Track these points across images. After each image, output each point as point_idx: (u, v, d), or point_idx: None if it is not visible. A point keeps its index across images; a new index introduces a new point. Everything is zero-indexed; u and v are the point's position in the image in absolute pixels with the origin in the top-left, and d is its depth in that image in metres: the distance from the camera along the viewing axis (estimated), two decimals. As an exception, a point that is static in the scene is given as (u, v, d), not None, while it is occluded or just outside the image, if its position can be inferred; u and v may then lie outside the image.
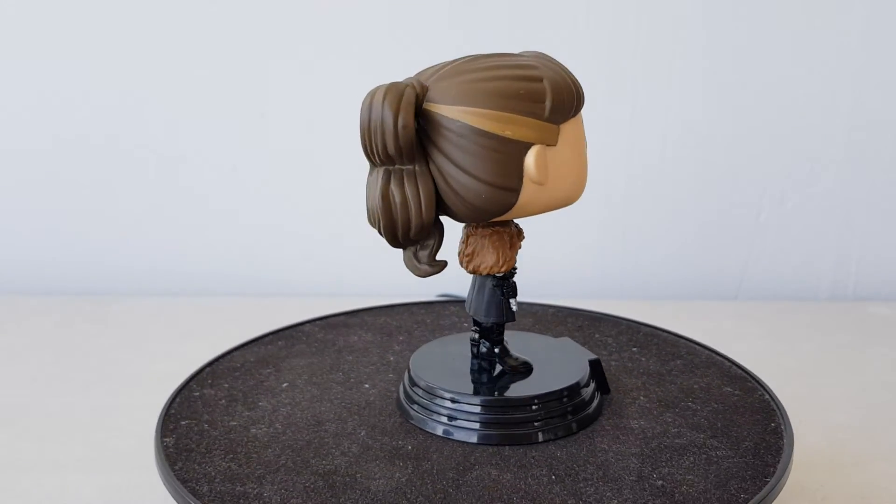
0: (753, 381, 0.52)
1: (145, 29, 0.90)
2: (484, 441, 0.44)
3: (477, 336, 0.48)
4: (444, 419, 0.45)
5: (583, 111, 0.43)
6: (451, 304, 0.67)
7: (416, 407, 0.46)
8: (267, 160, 0.94)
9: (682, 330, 0.61)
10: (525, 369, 0.48)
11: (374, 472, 0.40)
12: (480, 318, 0.47)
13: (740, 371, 0.54)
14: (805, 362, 0.77)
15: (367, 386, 0.51)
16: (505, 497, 0.38)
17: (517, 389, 0.46)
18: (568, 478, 0.40)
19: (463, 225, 0.46)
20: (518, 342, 0.50)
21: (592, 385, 0.48)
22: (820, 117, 0.91)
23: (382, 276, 0.91)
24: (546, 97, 0.40)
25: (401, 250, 0.43)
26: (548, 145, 0.40)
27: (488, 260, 0.44)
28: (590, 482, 0.40)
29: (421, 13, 0.89)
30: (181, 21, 0.90)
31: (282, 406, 0.48)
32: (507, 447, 0.43)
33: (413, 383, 0.47)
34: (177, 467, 0.41)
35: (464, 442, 0.44)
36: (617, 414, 0.47)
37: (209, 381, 0.51)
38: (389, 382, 0.51)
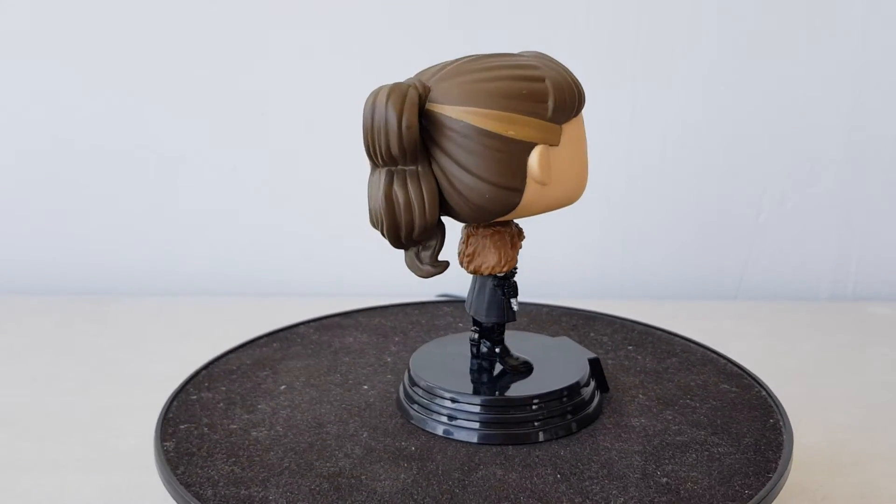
0: (750, 379, 0.53)
1: (145, 29, 0.90)
2: (485, 441, 0.44)
3: (476, 336, 0.48)
4: (445, 419, 0.45)
5: (583, 111, 0.43)
6: (445, 304, 0.67)
7: (416, 407, 0.46)
8: (267, 160, 0.94)
9: (683, 330, 0.61)
10: (525, 369, 0.48)
11: (379, 473, 0.40)
12: (481, 318, 0.47)
13: (736, 368, 0.54)
14: (805, 362, 0.77)
15: (365, 387, 0.51)
16: (512, 497, 0.38)
17: (518, 389, 0.46)
18: (573, 476, 0.40)
19: (462, 225, 0.46)
20: (516, 342, 0.50)
21: (592, 384, 0.48)
22: (820, 117, 0.91)
23: (382, 276, 0.92)
24: (548, 97, 0.40)
25: (401, 251, 0.43)
26: (550, 145, 0.40)
27: (490, 260, 0.44)
28: (595, 480, 0.40)
29: (421, 13, 0.89)
30: (181, 21, 0.90)
31: (281, 408, 0.48)
32: (510, 447, 0.43)
33: (413, 383, 0.47)
34: (179, 471, 0.41)
35: (464, 442, 0.44)
36: (617, 412, 0.47)
37: (206, 385, 0.51)
38: (388, 383, 0.51)
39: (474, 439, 0.44)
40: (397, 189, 0.39)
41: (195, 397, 0.49)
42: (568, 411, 0.45)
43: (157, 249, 0.96)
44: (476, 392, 0.45)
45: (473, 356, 0.49)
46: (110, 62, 0.91)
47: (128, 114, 0.92)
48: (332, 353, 0.56)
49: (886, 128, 0.91)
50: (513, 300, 0.46)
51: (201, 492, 0.39)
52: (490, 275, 0.45)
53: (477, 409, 0.44)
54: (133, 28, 0.90)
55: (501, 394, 0.45)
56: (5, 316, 0.88)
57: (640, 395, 0.50)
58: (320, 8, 0.89)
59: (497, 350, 0.48)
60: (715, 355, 0.56)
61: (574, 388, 0.46)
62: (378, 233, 0.42)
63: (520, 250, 0.45)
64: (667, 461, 0.42)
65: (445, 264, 0.42)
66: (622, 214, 0.95)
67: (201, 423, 0.46)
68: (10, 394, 0.70)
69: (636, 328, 0.61)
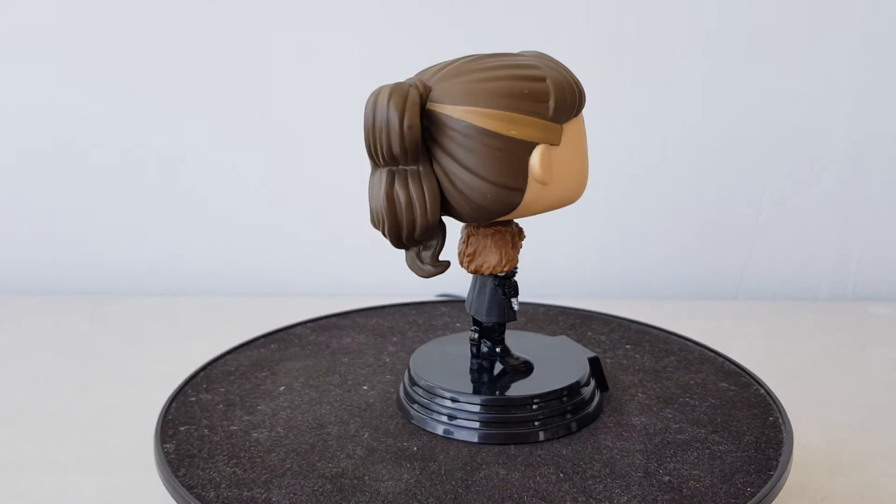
0: (748, 377, 0.53)
1: (145, 29, 0.90)
2: (486, 440, 0.44)
3: (476, 336, 0.48)
4: (445, 419, 0.45)
5: (583, 111, 0.43)
6: (442, 304, 0.67)
7: (416, 406, 0.46)
8: (267, 160, 0.94)
9: (683, 330, 0.61)
10: (526, 368, 0.48)
11: (382, 473, 0.40)
12: (482, 318, 0.47)
13: (734, 367, 0.54)
14: (805, 362, 0.77)
15: (365, 388, 0.51)
16: (515, 496, 0.38)
17: (518, 388, 0.46)
18: (576, 475, 0.40)
19: (462, 225, 0.46)
20: (515, 341, 0.50)
21: (592, 383, 0.48)
22: (820, 117, 0.91)
23: (382, 276, 0.92)
24: (549, 97, 0.40)
25: (402, 251, 0.43)
26: (551, 145, 0.40)
27: (491, 260, 0.44)
28: (598, 479, 0.40)
29: (421, 13, 0.89)
30: (181, 21, 0.90)
31: (281, 410, 0.48)
32: (511, 446, 0.43)
33: (413, 383, 0.47)
34: (180, 473, 0.41)
35: (465, 441, 0.44)
36: (617, 411, 0.47)
37: (204, 386, 0.51)
38: (388, 384, 0.51)
39: (475, 439, 0.44)
40: (398, 189, 0.39)
41: (194, 399, 0.49)
42: (568, 411, 0.45)
43: (157, 249, 0.96)
44: (476, 392, 0.45)
45: (473, 356, 0.49)
46: (110, 62, 0.91)
47: (128, 114, 0.92)
48: (330, 354, 0.56)
49: (886, 128, 0.91)
50: (513, 300, 0.46)
51: (204, 494, 0.39)
52: (490, 274, 0.45)
53: (477, 408, 0.44)
54: (133, 28, 0.90)
55: (502, 393, 0.45)
56: (5, 316, 0.89)
57: (640, 394, 0.50)
58: (320, 8, 0.89)
59: (498, 350, 0.48)
60: (713, 354, 0.56)
61: (574, 388, 0.46)
62: (378, 233, 0.42)
63: (520, 250, 0.45)
64: (668, 459, 0.42)
65: (446, 264, 0.42)
66: (622, 214, 0.95)
67: (201, 425, 0.46)
68: (10, 394, 0.70)
69: (633, 327, 0.61)
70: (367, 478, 0.40)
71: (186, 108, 0.92)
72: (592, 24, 0.89)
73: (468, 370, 0.48)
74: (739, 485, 0.40)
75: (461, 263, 0.45)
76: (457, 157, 0.39)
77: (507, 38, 0.88)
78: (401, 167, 0.39)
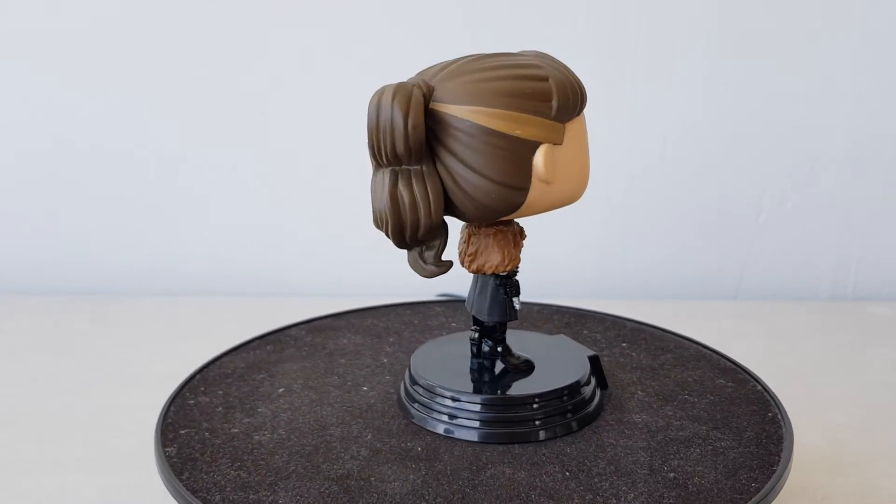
0: (744, 373, 0.53)
1: (145, 29, 0.90)
2: (487, 439, 0.44)
3: (476, 335, 0.48)
4: (446, 418, 0.44)
5: (584, 110, 0.43)
6: (436, 303, 0.67)
7: (417, 406, 0.46)
8: (267, 160, 0.94)
9: (683, 329, 0.61)
10: (527, 367, 0.48)
11: (388, 474, 0.40)
12: (483, 318, 0.47)
13: (730, 364, 0.55)
14: (805, 362, 0.77)
15: (365, 388, 0.51)
16: (523, 495, 0.38)
17: (520, 388, 0.46)
18: (581, 474, 0.40)
19: (462, 224, 0.46)
20: (514, 340, 0.50)
21: (593, 382, 0.48)
22: (820, 117, 0.91)
23: (382, 277, 0.92)
24: (552, 96, 0.40)
25: (404, 251, 0.42)
26: (554, 144, 0.40)
27: (493, 259, 0.44)
28: (604, 477, 0.40)
29: (421, 13, 0.89)
30: (181, 21, 0.90)
31: (282, 411, 0.47)
32: (516, 445, 0.43)
33: (414, 382, 0.47)
34: (184, 477, 0.40)
35: (466, 441, 0.44)
36: (618, 409, 0.48)
37: (202, 389, 0.51)
38: (387, 384, 0.51)
39: (476, 438, 0.44)
40: (402, 189, 0.39)
41: (192, 402, 0.49)
42: (569, 409, 0.45)
43: (157, 249, 0.96)
44: (477, 391, 0.45)
45: (474, 355, 0.49)
46: (110, 62, 0.91)
47: (128, 114, 0.92)
48: (327, 355, 0.56)
49: (886, 128, 0.92)
50: (515, 299, 0.46)
51: (209, 497, 0.39)
52: (492, 274, 0.45)
53: (478, 407, 0.44)
54: (133, 28, 0.90)
55: (503, 392, 0.45)
56: (5, 316, 0.88)
57: (639, 392, 0.50)
58: (320, 8, 0.89)
59: (499, 349, 0.48)
60: (708, 351, 0.57)
61: (576, 386, 0.46)
62: (378, 233, 0.42)
63: (521, 249, 0.45)
64: (672, 456, 0.42)
65: (449, 264, 0.42)
66: (622, 214, 0.95)
67: (201, 428, 0.46)
68: (10, 394, 0.70)
69: (628, 325, 0.62)
70: (373, 479, 0.40)
71: (186, 108, 0.92)
72: (592, 25, 0.89)
73: (469, 370, 0.48)
74: (744, 480, 0.40)
75: (462, 263, 0.45)
76: (461, 157, 0.39)
77: (507, 38, 0.88)
78: (404, 167, 0.39)
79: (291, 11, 0.89)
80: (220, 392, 0.50)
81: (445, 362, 0.48)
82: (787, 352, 0.79)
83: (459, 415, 0.44)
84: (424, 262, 0.42)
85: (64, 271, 0.96)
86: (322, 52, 0.90)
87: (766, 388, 0.51)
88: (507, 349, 0.48)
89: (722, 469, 0.41)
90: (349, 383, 0.51)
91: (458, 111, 0.39)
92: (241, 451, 0.43)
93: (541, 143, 0.40)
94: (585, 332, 0.60)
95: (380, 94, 0.39)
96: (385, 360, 0.55)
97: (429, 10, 0.89)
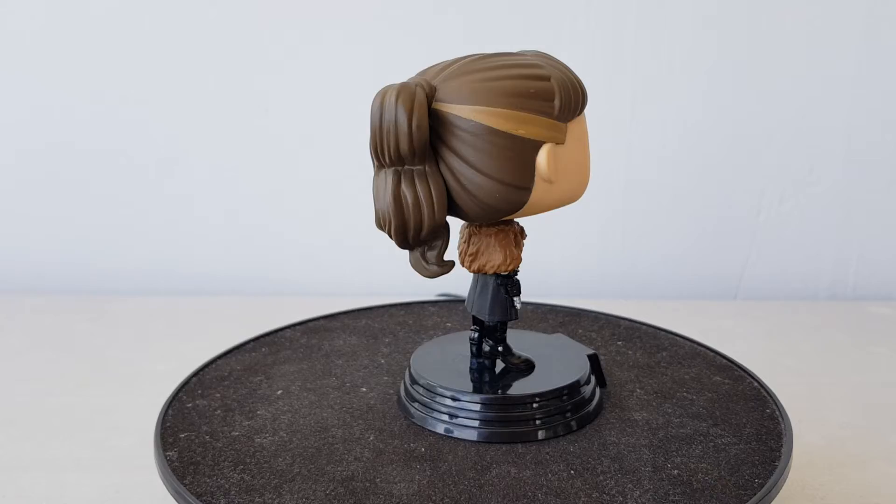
0: (740, 370, 0.54)
1: (146, 30, 0.90)
2: (488, 439, 0.43)
3: (476, 335, 0.48)
4: (446, 417, 0.44)
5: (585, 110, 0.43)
6: (430, 303, 0.67)
7: (417, 405, 0.46)
8: (267, 160, 0.94)
9: (683, 329, 0.61)
10: (527, 367, 0.48)
11: (393, 475, 0.40)
12: (484, 317, 0.46)
13: (725, 361, 0.55)
14: (805, 362, 0.77)
15: (364, 389, 0.50)
16: (530, 494, 0.38)
17: (521, 387, 0.46)
18: (586, 472, 0.40)
19: (462, 224, 0.46)
20: (512, 340, 0.50)
21: (593, 380, 0.48)
22: (820, 117, 0.92)
23: (382, 277, 0.92)
24: (555, 96, 0.40)
25: (405, 252, 0.42)
26: (557, 143, 0.41)
27: (495, 259, 0.44)
28: (608, 475, 0.40)
29: (421, 14, 0.90)
30: (181, 22, 0.90)
31: (282, 414, 0.47)
32: (519, 444, 0.43)
33: (414, 381, 0.47)
34: (186, 481, 0.40)
35: (468, 440, 0.43)
36: (618, 407, 0.48)
37: (199, 392, 0.50)
38: (386, 385, 0.51)
39: (476, 437, 0.43)
40: (405, 189, 0.39)
41: (190, 405, 0.48)
42: (571, 408, 0.45)
43: (157, 249, 0.96)
44: (478, 390, 0.45)
45: (473, 355, 0.49)
46: (111, 63, 0.90)
47: (128, 114, 0.92)
48: (323, 357, 0.55)
49: (886, 128, 0.92)
50: (516, 298, 0.46)
51: (214, 501, 0.38)
52: (493, 273, 0.45)
53: (479, 407, 0.44)
54: (133, 29, 0.89)
55: (504, 392, 0.45)
56: (5, 316, 0.88)
57: (638, 390, 0.50)
58: (320, 9, 0.89)
59: (500, 349, 0.48)
60: (703, 349, 0.57)
61: (576, 385, 0.46)
62: (379, 233, 0.42)
63: (522, 249, 0.45)
64: (675, 453, 0.42)
65: (451, 264, 0.42)
66: (622, 215, 0.96)
67: (201, 431, 0.45)
68: (10, 393, 0.69)
69: (622, 323, 0.62)
70: (378, 480, 0.39)
71: (186, 109, 0.92)
72: (593, 25, 0.90)
73: (468, 369, 0.48)
74: (747, 476, 0.40)
75: (462, 263, 0.45)
76: (464, 157, 0.39)
77: (507, 38, 0.88)
78: (407, 167, 0.39)
79: (291, 12, 0.89)
80: (218, 395, 0.50)
81: (445, 362, 0.48)
82: (787, 351, 0.79)
83: (460, 414, 0.44)
84: (427, 262, 0.41)
85: (64, 271, 0.96)
86: (322, 51, 0.90)
87: (762, 385, 0.51)
88: (507, 349, 0.48)
89: (725, 466, 0.41)
90: (347, 384, 0.51)
91: (461, 111, 0.39)
92: (243, 454, 0.42)
93: (544, 143, 0.40)
94: (580, 330, 0.61)
95: (383, 94, 0.38)
96: (382, 361, 0.55)
97: (429, 11, 0.89)
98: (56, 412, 0.66)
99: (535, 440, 0.43)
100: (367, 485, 0.39)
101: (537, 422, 0.44)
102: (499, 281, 0.45)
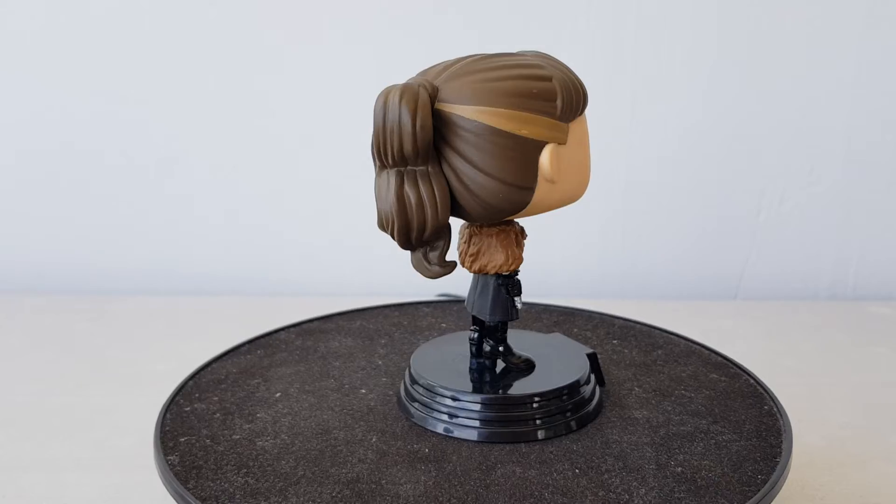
0: (736, 368, 0.54)
1: (145, 30, 0.90)
2: (490, 439, 0.44)
3: (476, 335, 0.48)
4: (446, 417, 0.44)
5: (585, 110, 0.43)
6: (423, 304, 0.67)
7: (416, 405, 0.46)
8: (267, 160, 0.94)
9: (683, 329, 0.62)
10: (528, 367, 0.48)
11: (398, 477, 0.40)
12: (485, 318, 0.46)
13: (720, 358, 0.56)
14: (805, 362, 0.77)
15: (363, 391, 0.50)
16: (536, 493, 0.39)
17: (522, 387, 0.46)
18: (591, 471, 0.41)
19: (462, 224, 0.46)
20: (510, 339, 0.50)
21: (593, 379, 0.48)
22: (820, 117, 0.92)
23: (382, 277, 0.93)
24: (557, 96, 0.40)
25: (405, 252, 0.42)
26: (559, 144, 0.41)
27: (497, 259, 0.44)
28: (613, 473, 0.40)
29: (421, 14, 0.90)
30: (181, 22, 0.90)
31: (282, 416, 0.47)
32: (522, 444, 0.43)
33: (414, 381, 0.47)
34: (190, 486, 0.40)
35: (468, 440, 0.43)
36: (618, 405, 0.48)
37: (196, 395, 0.50)
38: (385, 386, 0.51)
39: (476, 437, 0.44)
40: (409, 190, 0.39)
41: (188, 409, 0.48)
42: (571, 408, 0.45)
43: (157, 249, 0.96)
44: (478, 390, 0.45)
45: (473, 355, 0.49)
46: (111, 63, 0.90)
47: (128, 114, 0.92)
48: (320, 359, 0.55)
49: (886, 128, 0.92)
50: (516, 298, 0.46)
51: (219, 505, 0.38)
52: (494, 274, 0.45)
53: (479, 406, 0.44)
54: (133, 29, 0.89)
55: (504, 392, 0.45)
56: (5, 316, 0.88)
57: (636, 388, 0.51)
58: (320, 9, 0.89)
59: (500, 349, 0.48)
60: (698, 347, 0.58)
61: (577, 384, 0.46)
62: (379, 234, 0.42)
63: (523, 249, 0.46)
64: (677, 451, 0.43)
65: (453, 264, 0.42)
66: (622, 215, 0.96)
67: (202, 435, 0.45)
68: (10, 393, 0.69)
69: (616, 322, 0.62)
70: (384, 481, 0.40)
71: (186, 109, 0.92)
72: (593, 25, 0.90)
73: (468, 369, 0.48)
74: (750, 473, 0.41)
75: (462, 263, 0.45)
76: (468, 157, 0.39)
77: (506, 38, 0.88)
78: (409, 168, 0.39)
79: (291, 12, 0.89)
80: (216, 398, 0.49)
81: (445, 362, 0.48)
82: (787, 351, 0.79)
83: (460, 414, 0.44)
84: (429, 262, 0.41)
85: (64, 271, 0.96)
86: (322, 51, 0.90)
87: (758, 382, 0.52)
88: (508, 348, 0.48)
89: (727, 462, 0.42)
90: (346, 386, 0.51)
91: (464, 111, 0.39)
92: (245, 458, 0.42)
93: (546, 143, 0.40)
94: (576, 330, 0.61)
95: (385, 94, 0.38)
96: (380, 363, 0.55)
97: (429, 11, 0.89)
98: (56, 412, 0.66)
99: (535, 440, 0.44)
100: (373, 486, 0.39)
101: (538, 421, 0.44)
102: (500, 281, 0.45)
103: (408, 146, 0.38)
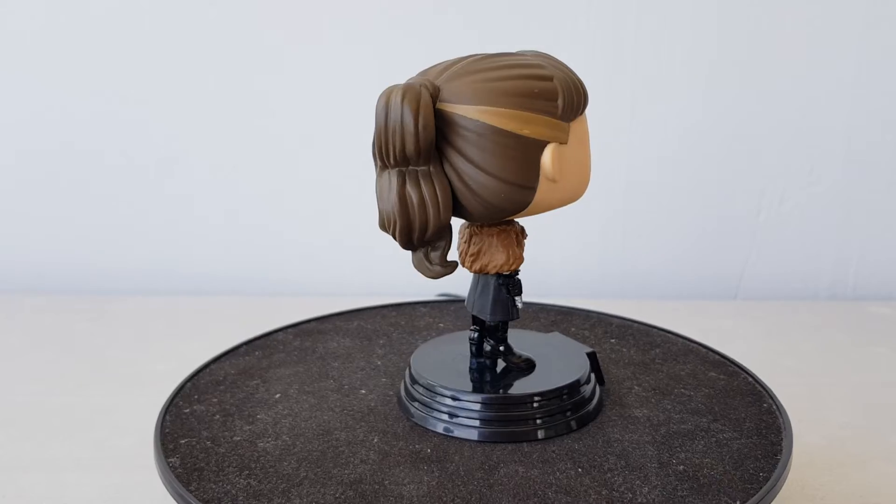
0: (734, 366, 0.54)
1: (145, 30, 0.90)
2: (491, 438, 0.44)
3: (476, 335, 0.48)
4: (446, 417, 0.44)
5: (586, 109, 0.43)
6: (420, 304, 0.67)
7: (416, 405, 0.46)
8: (267, 160, 0.94)
9: (683, 329, 0.62)
10: (528, 366, 0.48)
11: (401, 477, 0.40)
12: (485, 317, 0.46)
13: (718, 357, 0.56)
14: (805, 362, 0.77)
15: (363, 392, 0.50)
16: (540, 493, 0.39)
17: (522, 386, 0.46)
18: (594, 469, 0.41)
19: (462, 224, 0.46)
20: (509, 339, 0.50)
21: (593, 378, 0.49)
22: (820, 117, 0.92)
23: (383, 277, 0.93)
24: (558, 96, 0.40)
25: (405, 252, 0.42)
26: (560, 143, 0.41)
27: (498, 259, 0.44)
28: (616, 472, 0.40)
29: (421, 14, 0.90)
30: (180, 22, 0.90)
31: (282, 417, 0.47)
32: (524, 444, 0.43)
33: (414, 381, 0.47)
34: (192, 488, 0.39)
35: (468, 440, 0.44)
36: (618, 404, 0.48)
37: (195, 397, 0.50)
38: (385, 387, 0.51)
39: (477, 437, 0.44)
40: (411, 190, 0.39)
41: (188, 411, 0.48)
42: (572, 407, 0.45)
43: (157, 249, 0.96)
44: (478, 390, 0.45)
45: (473, 355, 0.49)
46: (111, 63, 0.90)
47: (128, 114, 0.92)
48: (318, 359, 0.55)
49: (886, 128, 0.92)
50: (517, 298, 0.46)
51: (222, 507, 0.38)
52: (494, 273, 0.45)
53: (479, 406, 0.44)
54: (133, 29, 0.89)
55: (505, 392, 0.45)
56: (5, 316, 0.88)
57: (636, 387, 0.51)
58: (320, 9, 0.89)
59: (501, 348, 0.48)
60: (695, 345, 0.58)
61: (578, 383, 0.46)
62: (379, 234, 0.42)
63: (524, 248, 0.46)
64: (678, 449, 0.43)
65: (455, 264, 0.42)
66: (622, 215, 0.96)
67: (202, 437, 0.45)
68: (10, 393, 0.70)
69: (614, 321, 0.63)
70: (387, 482, 0.40)
71: (186, 109, 0.92)
72: (593, 25, 0.90)
73: (468, 369, 0.48)
74: (752, 470, 0.41)
75: (463, 263, 0.45)
76: (470, 157, 0.39)
77: (507, 38, 0.88)
78: (411, 168, 0.39)
79: (291, 12, 0.89)
80: (215, 400, 0.49)
81: (445, 362, 0.49)
82: (787, 351, 0.79)
83: (460, 414, 0.44)
84: (430, 263, 0.41)
85: (64, 271, 0.96)
86: (322, 51, 0.90)
87: (756, 380, 0.52)
88: (509, 348, 0.48)
89: (729, 460, 0.42)
90: (346, 387, 0.51)
91: (466, 111, 0.39)
92: (247, 459, 0.42)
93: (548, 143, 0.40)
94: (573, 329, 0.61)
95: (387, 94, 0.38)
96: (379, 363, 0.55)
97: (429, 11, 0.89)
98: (56, 412, 0.66)
99: (536, 439, 0.44)
100: (377, 487, 0.39)
101: (538, 421, 0.44)
102: (500, 281, 0.45)
103: (410, 146, 0.38)
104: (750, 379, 0.52)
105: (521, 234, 0.45)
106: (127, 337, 0.83)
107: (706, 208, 0.95)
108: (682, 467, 0.41)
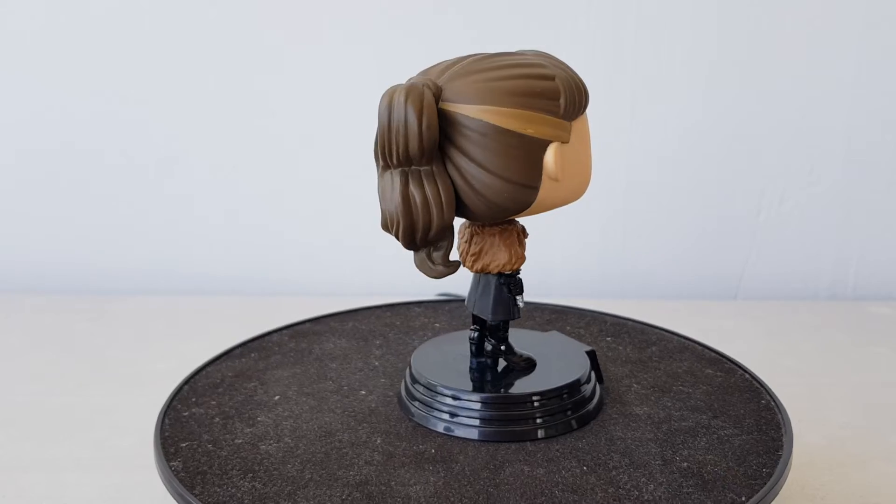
0: (730, 363, 0.54)
1: (145, 30, 0.90)
2: (492, 438, 0.44)
3: (476, 335, 0.48)
4: (447, 416, 0.45)
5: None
6: (415, 304, 0.66)
7: (417, 404, 0.46)
8: (267, 160, 0.94)
9: (683, 329, 0.62)
10: (529, 365, 0.48)
11: (407, 478, 0.40)
12: (486, 317, 0.46)
13: (714, 354, 0.56)
14: (805, 362, 0.77)
15: (363, 392, 0.50)
16: (547, 492, 0.39)
17: (523, 385, 0.46)
18: (598, 468, 0.41)
19: (463, 224, 0.46)
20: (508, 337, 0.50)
21: (593, 377, 0.49)
22: (820, 117, 0.92)
23: (383, 277, 0.93)
24: (560, 95, 0.40)
25: (406, 252, 0.42)
26: (562, 142, 0.41)
27: (500, 258, 0.44)
28: (620, 470, 0.41)
29: (421, 14, 0.90)
30: (180, 22, 0.90)
31: (283, 419, 0.47)
32: (528, 443, 0.43)
33: (414, 381, 0.47)
34: (196, 491, 0.39)
35: (473, 440, 0.44)
36: (619, 402, 0.48)
37: (193, 400, 0.49)
38: (384, 387, 0.51)
39: (477, 436, 0.44)
40: (414, 190, 0.39)
41: (187, 414, 0.48)
42: (573, 406, 0.45)
43: (157, 249, 0.96)
44: (479, 389, 0.45)
45: (473, 354, 0.49)
46: (111, 63, 0.90)
47: (128, 114, 0.92)
48: (316, 361, 0.55)
49: (886, 128, 0.92)
50: (518, 297, 0.46)
51: (227, 509, 0.38)
52: (496, 273, 0.45)
53: (480, 405, 0.44)
54: (133, 29, 0.90)
55: (505, 391, 0.45)
56: (5, 316, 0.88)
57: (635, 385, 0.51)
58: (320, 9, 0.89)
59: (502, 347, 0.48)
60: (691, 343, 0.58)
61: (578, 382, 0.46)
62: (379, 234, 0.42)
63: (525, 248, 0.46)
64: (681, 446, 0.43)
65: (457, 264, 0.42)
66: (622, 215, 0.96)
67: (203, 440, 0.44)
68: (10, 393, 0.70)
69: (608, 320, 0.63)
70: (393, 483, 0.39)
71: (186, 109, 0.92)
72: (593, 25, 0.90)
73: (469, 368, 0.48)
74: (755, 466, 0.41)
75: (464, 263, 0.45)
76: (473, 157, 0.39)
77: (507, 38, 0.88)
78: (414, 168, 0.39)
79: (291, 12, 0.89)
80: (214, 402, 0.49)
81: (446, 361, 0.48)
82: (787, 351, 0.80)
83: (461, 413, 0.44)
84: (433, 262, 0.41)
85: (64, 271, 0.96)
86: (322, 51, 0.90)
87: (753, 377, 0.52)
88: (509, 347, 0.48)
89: (731, 457, 0.42)
90: (345, 388, 0.51)
91: (468, 111, 0.39)
92: (250, 462, 0.42)
93: (550, 142, 0.40)
94: (568, 327, 0.61)
95: (390, 94, 0.38)
96: (377, 364, 0.55)
97: (429, 11, 0.90)
98: (56, 412, 0.66)
99: (536, 438, 0.44)
100: (383, 488, 0.39)
101: (539, 420, 0.44)
102: (501, 280, 0.45)
103: (413, 146, 0.38)
104: (747, 376, 0.52)
105: (523, 233, 0.45)
106: (127, 337, 0.83)
107: (706, 208, 0.95)
108: (685, 464, 0.41)
